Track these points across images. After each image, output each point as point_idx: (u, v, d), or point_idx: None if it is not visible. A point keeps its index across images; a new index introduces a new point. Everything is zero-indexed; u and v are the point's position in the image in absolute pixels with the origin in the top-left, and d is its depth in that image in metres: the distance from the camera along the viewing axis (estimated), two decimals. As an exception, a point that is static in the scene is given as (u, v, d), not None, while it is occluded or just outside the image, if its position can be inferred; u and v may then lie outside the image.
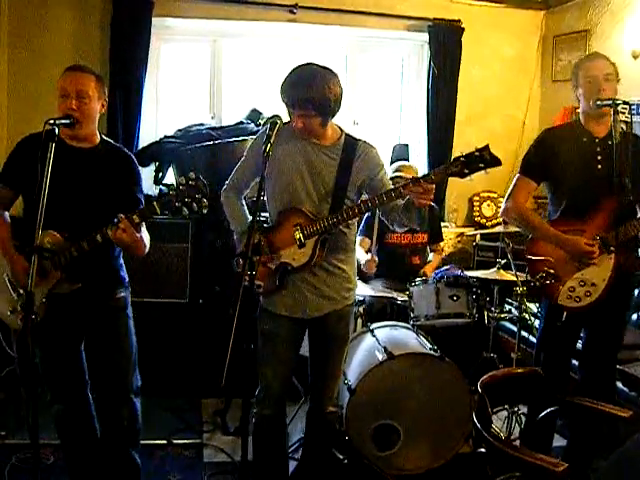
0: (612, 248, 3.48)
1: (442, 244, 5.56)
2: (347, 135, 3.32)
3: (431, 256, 5.39)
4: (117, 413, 3.40)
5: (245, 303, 2.76)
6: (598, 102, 3.47)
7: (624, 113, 5.22)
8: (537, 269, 3.59)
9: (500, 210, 3.87)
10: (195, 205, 2.97)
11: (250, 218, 3.37)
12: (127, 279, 3.51)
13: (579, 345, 3.77)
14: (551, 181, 3.71)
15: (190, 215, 3.03)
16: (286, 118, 3.21)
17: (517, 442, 3.90)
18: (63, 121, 3.11)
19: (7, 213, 3.38)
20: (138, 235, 3.09)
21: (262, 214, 3.62)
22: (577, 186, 3.55)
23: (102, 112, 3.35)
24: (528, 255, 3.68)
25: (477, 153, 2.86)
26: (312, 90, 3.06)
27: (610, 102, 3.42)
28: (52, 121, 3.04)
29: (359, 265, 4.60)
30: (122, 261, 3.49)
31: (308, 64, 3.16)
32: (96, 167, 3.27)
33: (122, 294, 3.44)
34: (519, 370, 3.24)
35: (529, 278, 3.65)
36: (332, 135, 3.29)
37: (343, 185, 3.22)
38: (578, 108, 5.04)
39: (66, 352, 3.36)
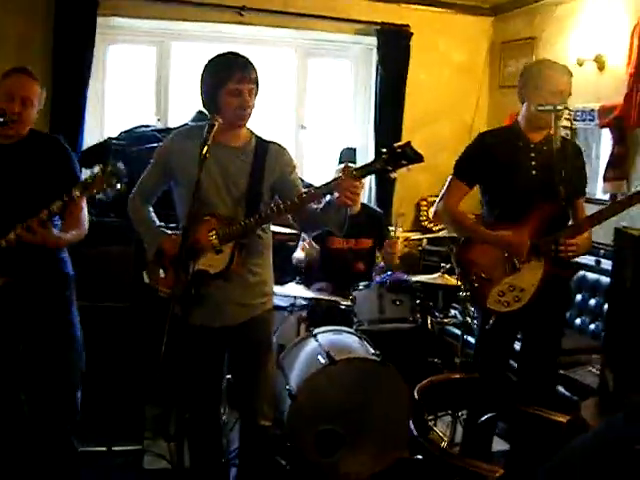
0: (541, 254, 3.46)
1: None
2: (258, 137, 3.25)
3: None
4: (63, 406, 3.38)
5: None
6: (540, 107, 3.47)
7: (569, 119, 5.28)
8: (467, 273, 3.58)
9: (432, 212, 3.86)
10: (111, 190, 3.06)
11: (159, 224, 3.29)
12: (72, 274, 3.44)
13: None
14: (484, 184, 3.70)
15: (106, 198, 3.04)
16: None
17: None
18: None
19: None
20: (50, 233, 3.07)
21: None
22: (511, 190, 3.54)
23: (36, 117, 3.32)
24: (457, 259, 3.68)
25: (399, 150, 2.81)
26: (254, 68, 3.10)
27: (551, 108, 3.42)
28: None
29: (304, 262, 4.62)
30: (65, 255, 3.42)
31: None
32: (25, 157, 3.23)
33: (68, 290, 3.40)
34: (457, 375, 3.24)
35: (459, 283, 3.65)
36: (244, 136, 3.23)
37: (256, 188, 3.14)
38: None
39: (2, 347, 3.30)
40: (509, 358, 3.75)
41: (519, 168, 3.54)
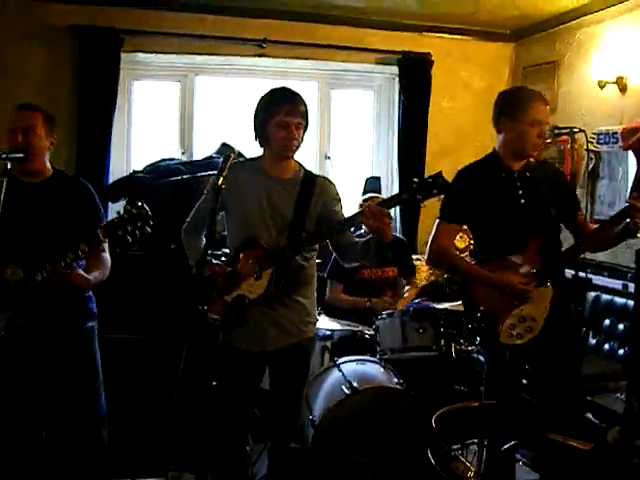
0: (549, 281, 3.41)
1: (416, 277, 5.52)
2: (306, 170, 3.41)
3: (406, 289, 5.35)
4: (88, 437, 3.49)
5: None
6: (555, 131, 3.44)
7: (592, 142, 5.26)
8: (474, 310, 3.48)
9: (425, 257, 3.73)
10: (138, 232, 3.10)
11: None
12: (95, 311, 3.58)
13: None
14: (474, 221, 3.62)
15: (133, 242, 3.11)
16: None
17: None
18: (14, 155, 3.23)
19: None
20: (75, 273, 3.20)
21: (223, 249, 3.66)
22: (503, 223, 3.47)
23: (51, 149, 3.46)
24: (465, 297, 3.59)
25: (430, 179, 2.89)
26: (303, 102, 3.26)
27: (568, 130, 3.39)
28: (4, 155, 3.13)
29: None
30: (91, 293, 3.55)
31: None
32: (50, 198, 3.37)
33: (89, 324, 3.52)
34: (475, 403, 3.20)
35: (467, 320, 3.57)
36: (293, 168, 3.37)
37: (301, 218, 3.26)
38: (547, 140, 5.07)
39: (25, 386, 3.36)
40: (521, 388, 3.67)
41: (507, 200, 3.48)
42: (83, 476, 3.51)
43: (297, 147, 3.29)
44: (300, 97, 3.28)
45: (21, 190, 3.33)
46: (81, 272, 3.28)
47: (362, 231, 3.24)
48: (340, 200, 3.41)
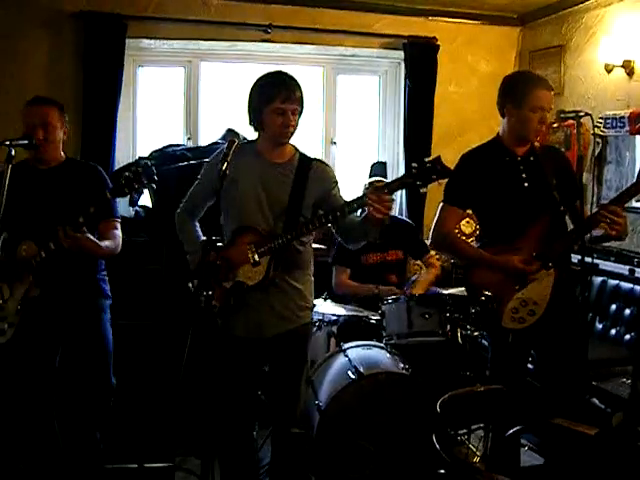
0: (550, 264, 3.41)
1: (431, 255, 5.40)
2: (301, 154, 3.37)
3: (423, 272, 5.35)
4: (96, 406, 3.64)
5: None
6: (562, 115, 3.43)
7: (599, 127, 5.23)
8: (477, 294, 3.49)
9: (429, 241, 3.76)
10: (144, 189, 3.25)
11: (203, 239, 3.39)
12: (108, 291, 3.75)
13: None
14: (478, 206, 3.64)
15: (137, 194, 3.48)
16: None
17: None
18: (19, 142, 3.33)
19: None
20: (86, 237, 3.29)
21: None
22: (506, 206, 3.48)
23: (64, 138, 3.62)
24: (468, 282, 3.60)
25: (429, 164, 2.86)
26: (299, 87, 3.23)
27: (574, 114, 3.37)
28: (8, 142, 3.20)
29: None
30: (105, 274, 3.75)
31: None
32: (63, 181, 3.52)
33: (102, 301, 3.69)
34: (480, 388, 3.19)
35: (470, 304, 3.57)
36: (288, 153, 3.33)
37: (297, 203, 3.23)
38: (554, 123, 5.04)
39: (41, 361, 3.52)
40: (526, 373, 3.69)
41: (510, 184, 3.49)
42: (88, 454, 3.62)
43: (293, 133, 3.26)
44: (296, 82, 3.24)
45: (35, 175, 3.52)
46: (92, 237, 3.37)
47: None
48: (337, 182, 3.38)
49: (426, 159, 2.88)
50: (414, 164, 2.89)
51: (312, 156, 3.40)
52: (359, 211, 3.17)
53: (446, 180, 2.96)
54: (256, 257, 3.17)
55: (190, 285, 3.29)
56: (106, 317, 3.70)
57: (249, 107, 3.28)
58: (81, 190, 3.49)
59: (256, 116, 3.25)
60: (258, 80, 3.28)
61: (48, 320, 3.50)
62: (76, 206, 3.33)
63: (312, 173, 3.29)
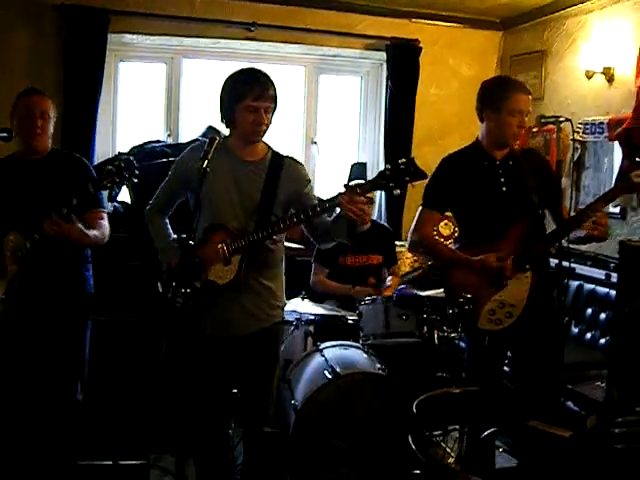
0: (527, 266, 3.43)
1: (397, 265, 5.54)
2: (274, 151, 3.32)
3: (389, 279, 5.37)
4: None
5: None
6: (542, 120, 3.46)
7: (578, 132, 5.27)
8: (455, 295, 3.50)
9: (407, 244, 3.79)
10: (125, 182, 3.26)
11: (173, 237, 3.36)
12: (92, 285, 3.80)
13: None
14: (456, 209, 3.67)
15: (117, 188, 3.45)
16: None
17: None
18: (1, 134, 3.31)
19: None
20: (72, 225, 3.32)
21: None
22: (484, 211, 3.51)
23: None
24: (446, 283, 3.63)
25: (402, 166, 2.84)
26: (273, 84, 3.17)
27: (553, 119, 3.41)
28: None
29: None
30: (89, 274, 3.80)
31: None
32: (48, 171, 3.58)
33: (83, 308, 3.73)
34: (457, 390, 3.21)
35: (448, 306, 3.60)
36: (260, 151, 3.29)
37: (269, 201, 3.19)
38: (534, 128, 5.07)
39: (22, 352, 3.55)
40: (502, 375, 3.72)
41: (489, 188, 3.51)
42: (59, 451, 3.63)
43: (265, 131, 3.21)
44: (269, 79, 3.18)
45: (20, 167, 3.60)
46: (78, 225, 3.39)
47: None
48: (310, 181, 3.36)
49: (399, 160, 2.87)
50: (387, 165, 2.87)
51: (285, 154, 3.35)
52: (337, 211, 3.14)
53: (419, 182, 2.94)
54: (227, 256, 3.12)
55: (159, 284, 3.25)
56: (88, 329, 3.78)
57: (221, 104, 3.23)
58: (65, 181, 3.51)
59: (228, 113, 3.20)
60: (230, 76, 3.22)
61: (31, 311, 3.53)
62: (61, 197, 3.34)
63: (284, 171, 3.24)
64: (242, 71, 3.22)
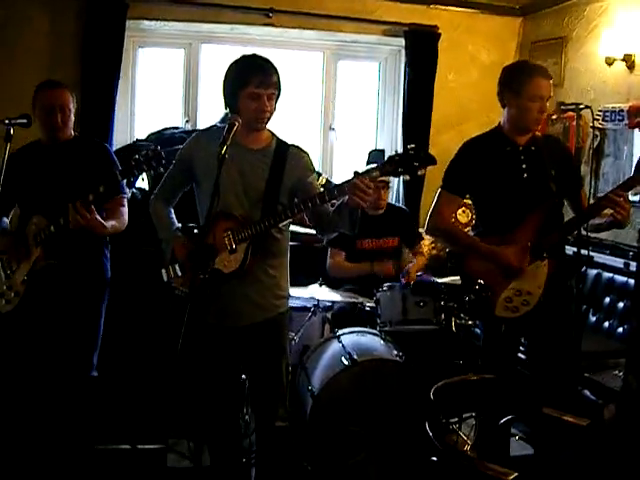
0: (545, 254, 3.42)
1: (422, 244, 5.41)
2: (278, 139, 3.27)
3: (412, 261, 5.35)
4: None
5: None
6: (562, 107, 3.43)
7: (598, 119, 5.23)
8: (471, 283, 3.49)
9: (425, 227, 3.75)
10: (152, 172, 3.48)
11: (177, 226, 3.33)
12: (108, 270, 3.92)
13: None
14: (476, 194, 3.65)
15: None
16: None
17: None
18: (19, 121, 3.40)
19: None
20: (92, 217, 3.40)
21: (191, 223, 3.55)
22: (504, 197, 3.49)
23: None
24: (462, 270, 3.61)
25: (411, 152, 2.82)
26: (276, 70, 3.12)
27: (574, 106, 3.39)
28: (7, 121, 3.24)
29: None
30: (107, 259, 3.92)
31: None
32: (72, 157, 3.69)
33: (99, 293, 3.85)
34: (474, 377, 3.20)
35: (464, 293, 3.58)
36: (265, 138, 3.24)
37: (274, 189, 3.15)
38: (553, 115, 5.03)
39: (38, 333, 3.67)
40: (517, 362, 3.72)
41: (510, 173, 3.49)
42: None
43: (269, 118, 3.15)
44: (272, 65, 3.11)
45: (45, 152, 3.71)
46: (98, 217, 3.48)
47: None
48: (314, 170, 3.32)
49: (409, 146, 2.85)
50: (397, 152, 2.87)
51: (290, 142, 3.29)
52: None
53: (428, 168, 2.92)
54: (233, 244, 3.08)
55: (163, 272, 3.24)
56: (102, 311, 3.89)
57: (224, 91, 3.16)
58: (90, 167, 3.62)
59: (231, 101, 3.13)
60: (233, 63, 3.15)
61: (49, 293, 3.64)
62: (85, 182, 3.42)
63: (289, 159, 3.20)
64: (244, 57, 3.15)
